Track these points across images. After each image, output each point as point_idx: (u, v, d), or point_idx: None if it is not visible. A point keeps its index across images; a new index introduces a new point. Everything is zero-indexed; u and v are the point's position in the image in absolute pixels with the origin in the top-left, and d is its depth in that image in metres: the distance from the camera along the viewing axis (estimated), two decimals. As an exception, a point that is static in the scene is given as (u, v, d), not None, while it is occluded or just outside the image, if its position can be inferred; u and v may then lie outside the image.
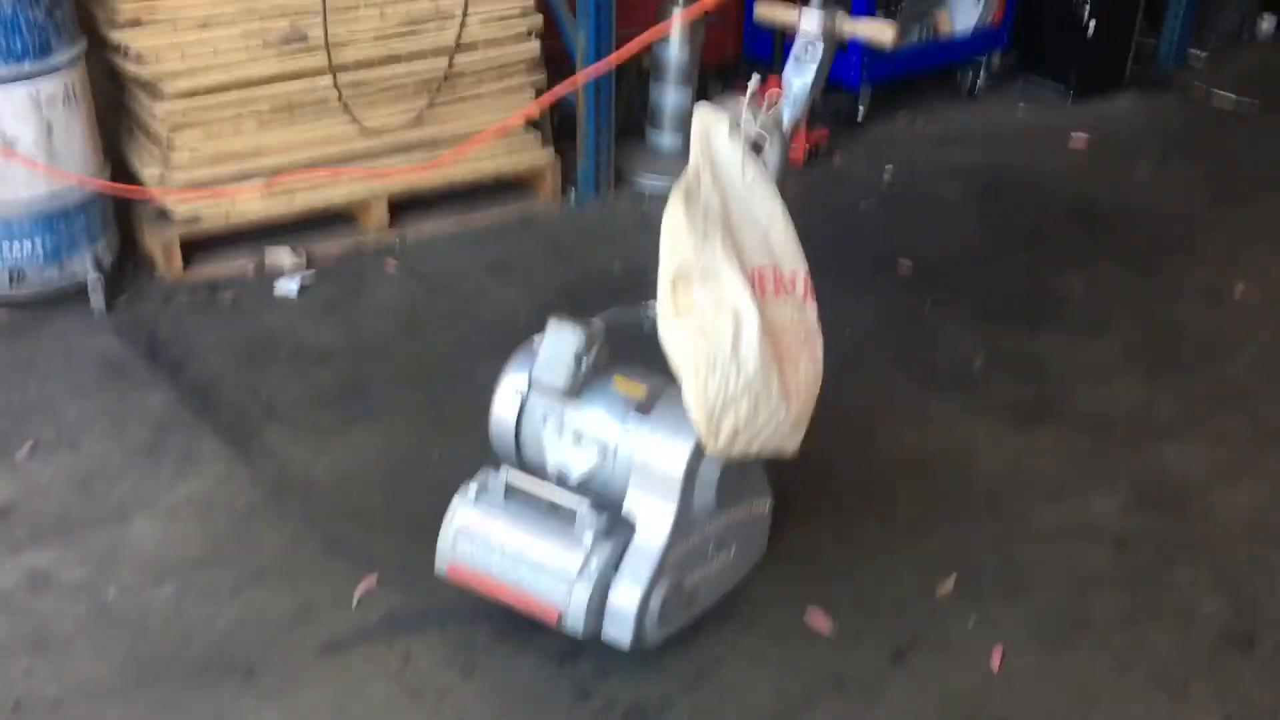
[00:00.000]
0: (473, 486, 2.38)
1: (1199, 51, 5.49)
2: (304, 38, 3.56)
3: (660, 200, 2.25)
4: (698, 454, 2.26)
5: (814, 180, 4.36)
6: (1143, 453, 3.06)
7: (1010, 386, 3.30)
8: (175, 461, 2.91)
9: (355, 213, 3.89)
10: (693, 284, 2.21)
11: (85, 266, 3.41)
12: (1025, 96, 5.12)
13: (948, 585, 2.60)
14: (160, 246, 3.59)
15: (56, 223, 3.33)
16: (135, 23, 3.40)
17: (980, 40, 5.02)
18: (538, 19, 3.95)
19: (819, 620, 2.51)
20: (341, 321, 3.51)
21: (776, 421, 2.28)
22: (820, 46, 2.48)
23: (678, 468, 2.25)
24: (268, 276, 3.67)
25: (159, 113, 3.47)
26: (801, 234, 2.32)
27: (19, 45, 3.11)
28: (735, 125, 2.32)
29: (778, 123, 2.42)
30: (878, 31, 2.50)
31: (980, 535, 2.76)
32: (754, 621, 2.50)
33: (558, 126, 4.22)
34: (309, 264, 3.73)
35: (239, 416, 3.08)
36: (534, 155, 4.10)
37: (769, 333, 2.23)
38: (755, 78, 2.44)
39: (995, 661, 2.42)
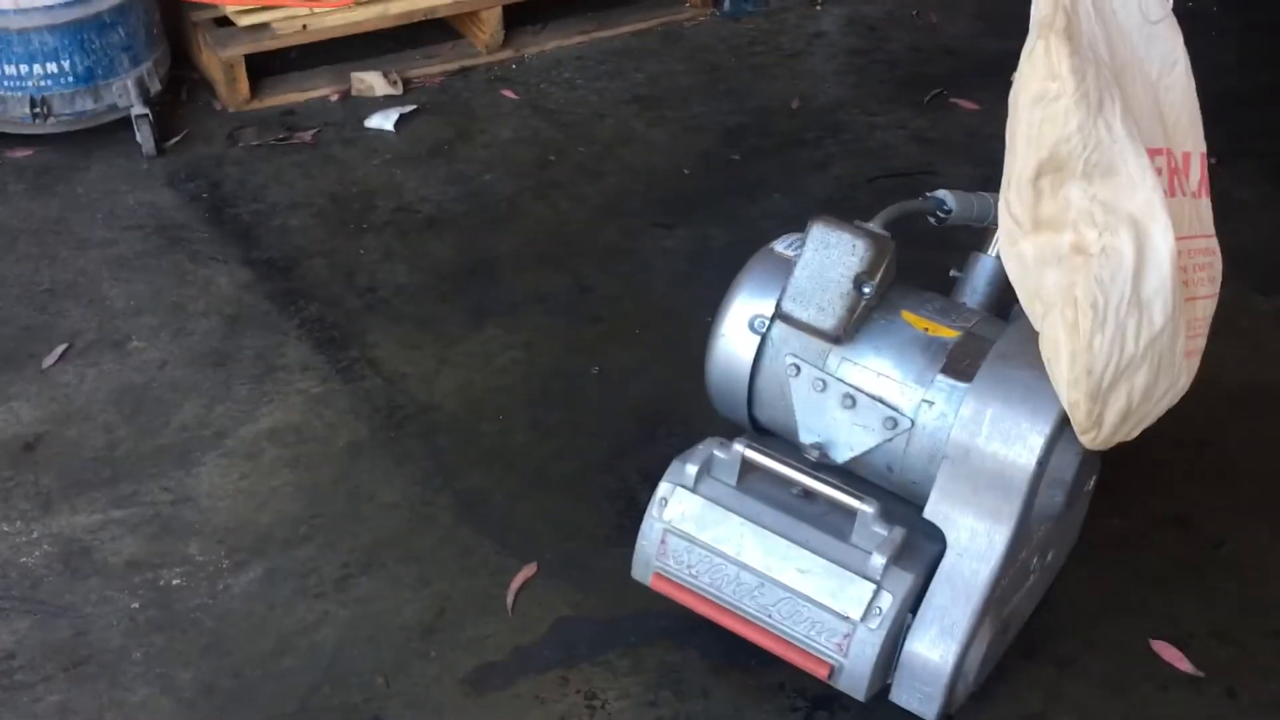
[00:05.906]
0: (691, 463, 1.62)
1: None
2: None
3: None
4: (1053, 442, 1.48)
5: None
6: None
7: None
8: (252, 376, 2.18)
9: (461, 25, 3.08)
10: (1069, 180, 1.39)
11: (128, 94, 2.63)
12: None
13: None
14: (221, 68, 2.79)
15: (88, 36, 2.58)
16: None
17: None
18: None
19: (1170, 655, 1.77)
20: (452, 172, 2.73)
21: (1173, 393, 1.50)
22: None
23: (1024, 463, 1.47)
24: (355, 108, 2.89)
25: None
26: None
27: None
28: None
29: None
30: None
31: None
32: (1077, 654, 1.76)
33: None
34: (406, 91, 2.93)
35: (331, 308, 2.34)
36: (681, -51, 3.22)
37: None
38: None
39: None
